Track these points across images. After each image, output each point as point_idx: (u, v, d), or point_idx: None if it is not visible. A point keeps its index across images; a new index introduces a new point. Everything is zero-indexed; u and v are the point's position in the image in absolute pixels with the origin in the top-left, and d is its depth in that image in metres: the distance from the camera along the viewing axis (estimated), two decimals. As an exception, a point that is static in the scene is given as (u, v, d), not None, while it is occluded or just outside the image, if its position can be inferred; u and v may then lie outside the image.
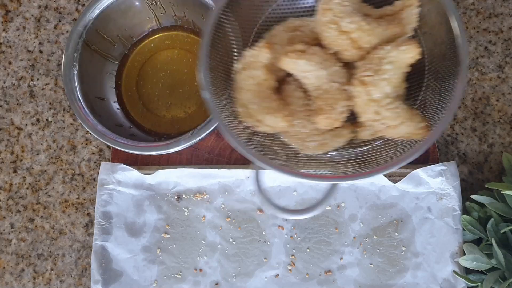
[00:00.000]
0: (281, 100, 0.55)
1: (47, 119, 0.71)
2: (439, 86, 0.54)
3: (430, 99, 0.54)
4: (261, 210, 0.65)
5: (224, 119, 0.52)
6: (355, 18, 0.50)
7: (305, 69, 0.51)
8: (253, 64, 0.53)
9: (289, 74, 0.55)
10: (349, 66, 0.53)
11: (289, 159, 0.55)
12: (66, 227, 0.69)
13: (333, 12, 0.51)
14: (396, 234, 0.64)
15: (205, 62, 0.52)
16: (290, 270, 0.64)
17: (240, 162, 0.68)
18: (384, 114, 0.50)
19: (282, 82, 0.56)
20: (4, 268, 0.68)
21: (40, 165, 0.70)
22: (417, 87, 0.56)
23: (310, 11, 0.58)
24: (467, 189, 0.66)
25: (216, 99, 0.53)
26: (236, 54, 0.56)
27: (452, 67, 0.52)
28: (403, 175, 0.64)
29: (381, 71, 0.49)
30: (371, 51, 0.51)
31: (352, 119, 0.55)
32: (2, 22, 0.74)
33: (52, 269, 0.68)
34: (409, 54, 0.49)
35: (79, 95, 0.61)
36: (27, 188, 0.70)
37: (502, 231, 0.58)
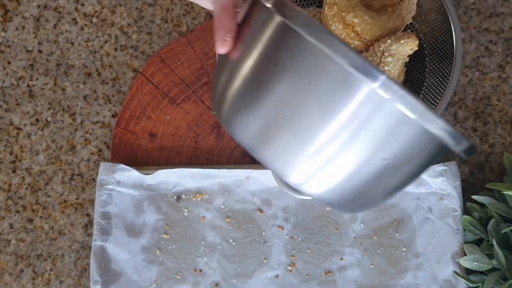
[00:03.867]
0: None
1: (46, 119, 0.70)
2: (439, 71, 0.57)
3: (433, 83, 0.58)
4: (261, 211, 0.65)
5: None
6: (359, 12, 0.54)
7: None
8: None
9: None
10: None
11: None
12: (66, 227, 0.68)
13: (338, 7, 0.54)
14: (397, 234, 0.64)
15: None
16: (290, 270, 0.64)
17: (240, 162, 0.67)
18: None
19: None
20: (3, 268, 0.68)
21: (39, 165, 0.70)
22: (421, 72, 0.61)
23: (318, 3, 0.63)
24: (468, 189, 0.66)
25: None
26: None
27: (449, 53, 0.57)
28: (404, 175, 0.63)
29: (382, 63, 0.53)
30: (374, 42, 0.55)
31: None
32: (1, 22, 0.73)
33: (51, 270, 0.68)
34: (408, 46, 0.53)
35: None
36: (26, 189, 0.70)
37: (503, 232, 0.58)
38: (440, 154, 0.39)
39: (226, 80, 0.41)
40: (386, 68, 0.54)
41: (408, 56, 0.56)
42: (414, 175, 0.41)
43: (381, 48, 0.55)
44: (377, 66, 0.48)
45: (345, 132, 0.36)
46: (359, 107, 0.35)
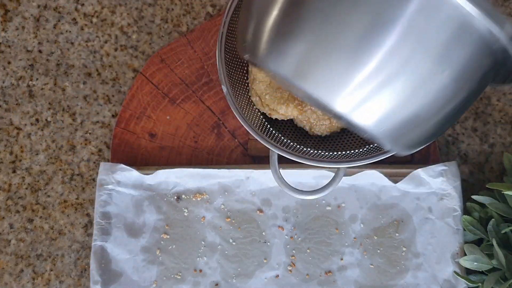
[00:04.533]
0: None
1: (46, 119, 0.70)
2: None
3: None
4: (261, 211, 0.65)
5: (240, 108, 0.58)
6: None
7: None
8: None
9: None
10: None
11: (298, 141, 0.61)
12: (66, 227, 0.68)
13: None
14: (397, 234, 0.64)
15: (221, 57, 0.56)
16: (290, 270, 0.64)
17: (240, 162, 0.67)
18: None
19: None
20: (3, 268, 0.68)
21: (39, 165, 0.70)
22: None
23: None
24: (468, 189, 0.66)
25: (233, 91, 0.58)
26: None
27: None
28: (404, 175, 0.63)
29: None
30: None
31: None
32: (1, 22, 0.73)
33: (51, 270, 0.68)
34: None
35: None
36: (26, 189, 0.70)
37: (503, 232, 0.58)
38: (496, 69, 0.36)
39: (260, 15, 0.38)
40: None
41: None
42: (471, 96, 0.37)
43: None
44: None
45: (402, 45, 0.32)
46: (415, 12, 0.31)
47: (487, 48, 0.34)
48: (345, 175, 0.64)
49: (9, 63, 0.72)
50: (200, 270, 0.64)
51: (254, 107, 0.61)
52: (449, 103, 0.36)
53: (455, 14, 0.32)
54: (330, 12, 0.34)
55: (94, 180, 0.69)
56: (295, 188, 0.58)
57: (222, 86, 0.57)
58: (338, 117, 0.38)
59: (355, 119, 0.36)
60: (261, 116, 0.62)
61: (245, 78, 0.62)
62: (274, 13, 0.37)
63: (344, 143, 0.62)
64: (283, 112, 0.59)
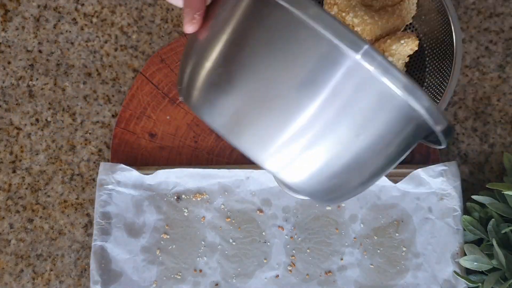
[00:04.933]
0: None
1: (46, 119, 0.70)
2: (439, 71, 0.57)
3: (433, 83, 0.58)
4: (261, 211, 0.65)
5: None
6: (359, 12, 0.53)
7: None
8: None
9: None
10: None
11: None
12: (66, 227, 0.68)
13: (338, 7, 0.54)
14: (397, 234, 0.64)
15: None
16: (290, 270, 0.64)
17: (240, 162, 0.67)
18: None
19: None
20: (3, 268, 0.68)
21: (39, 165, 0.70)
22: (421, 72, 0.61)
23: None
24: (468, 189, 0.66)
25: None
26: None
27: (449, 53, 0.58)
28: (404, 175, 0.63)
29: None
30: (374, 43, 0.55)
31: None
32: (1, 22, 0.73)
33: (51, 270, 0.68)
34: (408, 46, 0.53)
35: None
36: (26, 189, 0.69)
37: (503, 232, 0.58)
38: (418, 135, 0.38)
39: (196, 61, 0.39)
40: None
41: (408, 56, 0.56)
42: (393, 159, 0.40)
43: (381, 48, 0.55)
44: (359, 34, 0.45)
45: (326, 111, 0.34)
46: (340, 82, 0.33)
47: (407, 116, 0.36)
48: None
49: (9, 63, 0.72)
50: (200, 270, 0.64)
51: None
52: (369, 164, 0.38)
53: (375, 84, 0.34)
54: (261, 71, 0.35)
55: (94, 180, 0.69)
56: (295, 188, 0.58)
57: None
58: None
59: (283, 178, 0.38)
60: None
61: None
62: (208, 65, 0.37)
63: None
64: None
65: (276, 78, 0.35)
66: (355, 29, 0.55)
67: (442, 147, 0.40)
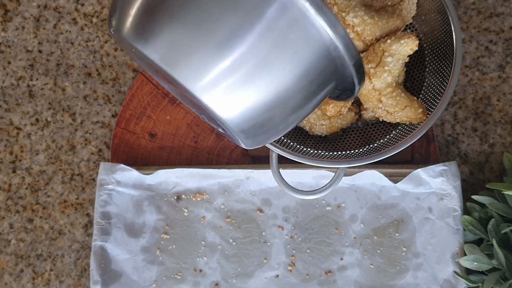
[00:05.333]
0: None
1: (46, 119, 0.70)
2: (439, 71, 0.57)
3: (433, 83, 0.58)
4: (261, 211, 0.65)
5: None
6: (359, 12, 0.54)
7: None
8: None
9: None
10: None
11: (298, 141, 0.61)
12: (66, 227, 0.68)
13: (338, 7, 0.55)
14: (397, 234, 0.64)
15: None
16: (290, 270, 0.64)
17: (240, 162, 0.67)
18: (385, 102, 0.55)
19: None
20: (3, 268, 0.68)
21: (39, 165, 0.70)
22: (421, 72, 0.61)
23: None
24: (468, 189, 0.66)
25: None
26: None
27: (449, 53, 0.57)
28: (404, 175, 0.63)
29: (382, 63, 0.54)
30: (374, 42, 0.56)
31: (357, 102, 0.63)
32: (1, 22, 0.73)
33: (51, 270, 0.68)
34: (408, 46, 0.54)
35: None
36: (26, 189, 0.69)
37: (503, 232, 0.58)
38: (335, 72, 0.41)
39: None
40: (386, 68, 0.54)
41: (408, 56, 0.56)
42: (313, 94, 0.42)
43: (381, 48, 0.55)
44: None
45: (261, 43, 0.37)
46: (274, 14, 0.36)
47: (327, 53, 0.40)
48: (345, 175, 0.64)
49: (9, 63, 0.72)
50: (200, 270, 0.64)
51: None
52: (293, 98, 0.41)
53: (305, 18, 0.37)
54: (202, 4, 0.36)
55: (94, 180, 0.69)
56: (295, 188, 0.58)
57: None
58: (202, 108, 0.41)
59: (219, 112, 0.39)
60: None
61: None
62: None
63: (343, 143, 0.62)
64: None
65: (215, 6, 0.36)
66: (355, 29, 0.55)
67: (355, 93, 0.43)
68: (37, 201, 0.69)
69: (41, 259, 0.68)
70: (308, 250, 0.64)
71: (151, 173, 0.65)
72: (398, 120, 0.57)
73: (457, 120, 0.68)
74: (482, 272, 0.60)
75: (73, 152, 0.70)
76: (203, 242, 0.65)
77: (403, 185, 0.64)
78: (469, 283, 0.60)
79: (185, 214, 0.66)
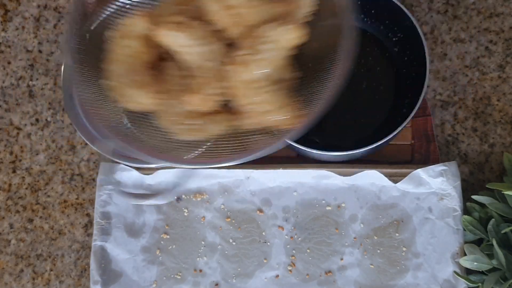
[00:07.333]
0: (157, 76, 0.51)
1: (46, 119, 0.70)
2: (325, 79, 0.52)
3: (318, 89, 0.52)
4: (261, 211, 0.65)
5: (89, 97, 0.51)
6: None
7: (183, 43, 0.48)
8: (129, 34, 0.50)
9: (170, 50, 0.50)
10: (231, 46, 0.49)
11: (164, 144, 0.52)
12: (66, 227, 0.68)
13: None
14: (397, 234, 0.64)
15: (73, 27, 0.50)
16: (290, 270, 0.64)
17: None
18: (262, 96, 0.48)
19: (163, 58, 0.52)
20: (3, 268, 0.68)
21: (39, 165, 0.70)
22: (311, 77, 0.53)
23: None
24: (468, 189, 0.65)
25: (83, 70, 0.50)
26: (112, 22, 0.52)
27: (336, 60, 0.50)
28: (404, 175, 0.63)
29: (261, 51, 0.47)
30: (255, 29, 0.48)
31: (231, 107, 0.52)
32: (1, 22, 0.73)
33: (51, 270, 0.68)
34: (291, 35, 0.46)
35: None
36: (26, 189, 0.69)
37: (503, 232, 0.58)
38: None
39: None
40: (266, 56, 0.47)
41: (291, 48, 0.48)
42: None
43: (262, 33, 0.47)
44: None
45: None
46: None
47: None
48: (345, 175, 0.64)
49: (9, 63, 0.72)
50: (200, 270, 0.64)
51: (108, 94, 0.52)
52: None
53: None
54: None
55: (94, 180, 0.69)
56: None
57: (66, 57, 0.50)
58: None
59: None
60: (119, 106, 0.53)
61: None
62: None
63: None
64: (138, 99, 0.50)
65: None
66: (240, 10, 0.47)
67: None
68: (37, 201, 0.69)
69: (41, 259, 0.68)
70: (308, 250, 0.64)
71: (151, 173, 0.65)
72: (268, 123, 0.49)
73: (457, 120, 0.68)
74: (482, 272, 0.60)
75: (73, 152, 0.70)
76: (203, 242, 0.65)
77: (403, 185, 0.64)
78: (469, 283, 0.60)
79: (185, 214, 0.66)
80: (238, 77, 0.47)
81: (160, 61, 0.52)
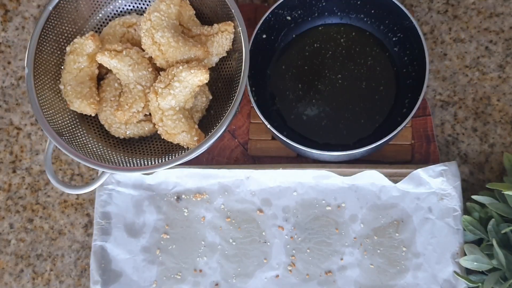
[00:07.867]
0: (97, 88, 0.64)
1: (46, 119, 0.70)
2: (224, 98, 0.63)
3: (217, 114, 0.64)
4: (261, 211, 0.65)
5: (42, 98, 0.62)
6: (167, 33, 0.59)
7: (117, 67, 0.61)
8: (78, 51, 0.62)
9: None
10: (159, 73, 0.61)
11: (100, 137, 0.65)
12: (66, 227, 0.68)
13: (151, 23, 0.60)
14: (397, 234, 0.64)
15: (36, 37, 0.62)
16: (290, 270, 0.64)
17: (240, 162, 0.67)
18: (166, 122, 0.59)
19: (108, 72, 0.65)
20: (3, 268, 0.68)
21: (39, 165, 0.70)
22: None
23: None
24: (468, 189, 0.66)
25: (40, 74, 0.62)
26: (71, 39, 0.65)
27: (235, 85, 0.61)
28: (404, 175, 0.63)
29: (170, 86, 0.58)
30: (174, 65, 0.60)
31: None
32: (1, 22, 0.73)
33: (51, 270, 0.68)
34: (197, 77, 0.58)
35: None
36: (26, 189, 0.70)
37: (503, 232, 0.58)
38: None
39: None
40: (172, 92, 0.58)
41: (198, 86, 0.59)
42: None
43: (173, 72, 0.58)
44: None
45: None
46: None
47: None
48: (345, 175, 0.64)
49: (9, 63, 0.73)
50: (200, 270, 0.64)
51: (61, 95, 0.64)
52: None
53: None
54: None
55: (94, 180, 0.69)
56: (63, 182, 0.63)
57: (26, 67, 0.61)
58: None
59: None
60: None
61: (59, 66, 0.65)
62: None
63: (142, 148, 0.65)
64: (77, 107, 0.61)
65: None
66: (161, 47, 0.59)
67: None
68: (37, 201, 0.69)
69: (41, 259, 0.68)
70: (308, 250, 0.64)
71: (151, 173, 0.65)
72: (176, 141, 0.60)
73: (457, 120, 0.68)
74: (482, 272, 0.60)
75: (73, 152, 0.70)
76: (203, 242, 0.65)
77: (403, 185, 0.64)
78: (469, 283, 0.60)
79: (185, 214, 0.66)
80: (154, 104, 0.59)
81: (106, 73, 0.65)
